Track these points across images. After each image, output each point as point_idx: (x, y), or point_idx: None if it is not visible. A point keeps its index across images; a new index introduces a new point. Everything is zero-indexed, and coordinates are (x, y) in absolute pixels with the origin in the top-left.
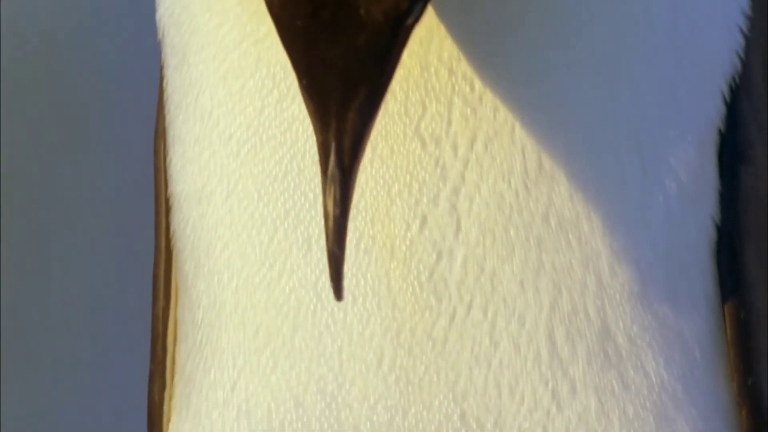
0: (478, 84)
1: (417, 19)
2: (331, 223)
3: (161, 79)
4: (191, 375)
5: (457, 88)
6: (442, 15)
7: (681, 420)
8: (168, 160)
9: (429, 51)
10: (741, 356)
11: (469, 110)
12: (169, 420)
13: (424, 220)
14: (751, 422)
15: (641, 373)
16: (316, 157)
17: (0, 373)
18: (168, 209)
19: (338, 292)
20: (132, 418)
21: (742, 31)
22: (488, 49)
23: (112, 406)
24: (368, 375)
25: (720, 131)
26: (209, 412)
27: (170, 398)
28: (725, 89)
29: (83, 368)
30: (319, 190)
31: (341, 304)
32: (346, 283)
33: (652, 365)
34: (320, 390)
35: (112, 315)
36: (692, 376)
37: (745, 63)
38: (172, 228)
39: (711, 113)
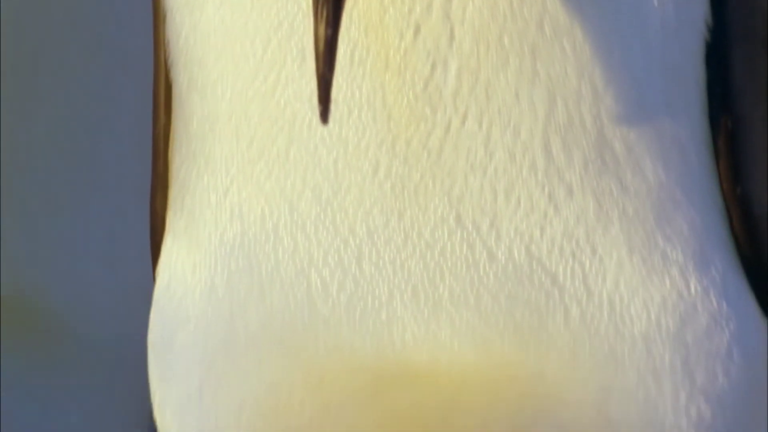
0: None
1: None
2: (321, 45)
3: None
4: (185, 180)
5: None
6: None
7: (679, 218)
8: None
9: None
10: (729, 165)
11: None
12: None
13: (417, 30)
14: (741, 229)
15: (639, 177)
16: None
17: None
18: (165, 20)
19: (324, 114)
20: (133, 231)
21: None
22: None
23: (110, 221)
24: (364, 183)
25: None
26: (203, 212)
27: None
28: None
29: (79, 181)
30: None
31: (336, 116)
32: (341, 95)
33: (650, 169)
34: (315, 197)
35: (109, 132)
36: (690, 178)
37: None
38: (166, 40)
39: None
